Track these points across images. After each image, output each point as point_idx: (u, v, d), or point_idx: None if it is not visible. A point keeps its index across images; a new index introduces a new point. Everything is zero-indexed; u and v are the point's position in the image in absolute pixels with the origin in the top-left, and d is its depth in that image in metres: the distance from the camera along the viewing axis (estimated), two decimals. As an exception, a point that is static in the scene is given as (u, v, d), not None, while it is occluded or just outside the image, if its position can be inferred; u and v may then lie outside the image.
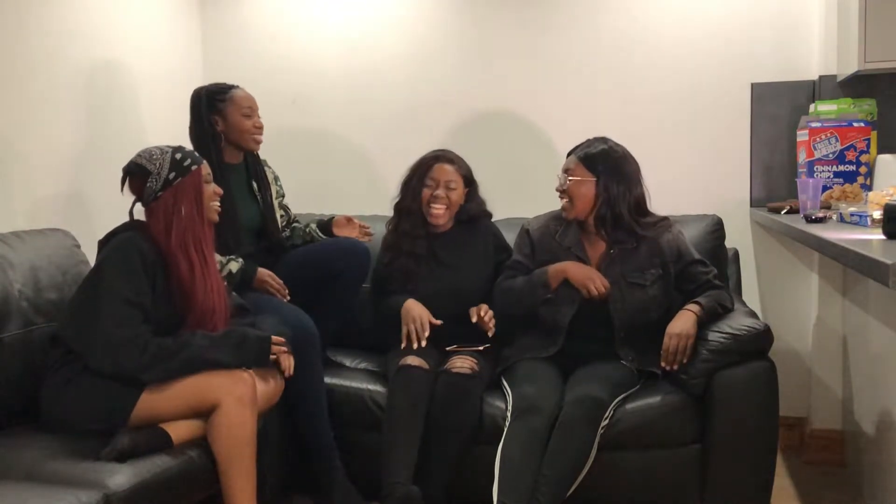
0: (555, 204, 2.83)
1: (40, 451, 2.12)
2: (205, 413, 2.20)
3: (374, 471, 2.53)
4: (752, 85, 3.32)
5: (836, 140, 2.91)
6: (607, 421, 2.47)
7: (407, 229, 2.94)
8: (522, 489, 2.35)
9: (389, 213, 3.04)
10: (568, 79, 3.52)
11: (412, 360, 2.66)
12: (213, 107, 2.88)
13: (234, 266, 2.73)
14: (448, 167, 2.92)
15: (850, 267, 1.88)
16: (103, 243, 2.33)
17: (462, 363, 2.66)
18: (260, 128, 2.93)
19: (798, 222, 2.49)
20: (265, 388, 2.34)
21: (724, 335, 2.51)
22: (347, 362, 3.01)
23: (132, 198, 2.36)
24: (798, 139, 3.07)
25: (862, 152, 2.90)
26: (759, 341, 2.51)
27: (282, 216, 3.06)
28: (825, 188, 2.83)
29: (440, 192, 2.90)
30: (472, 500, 2.52)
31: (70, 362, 2.24)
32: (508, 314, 2.81)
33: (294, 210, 3.19)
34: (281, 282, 2.79)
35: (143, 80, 3.42)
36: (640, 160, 2.77)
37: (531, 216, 2.94)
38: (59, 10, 2.98)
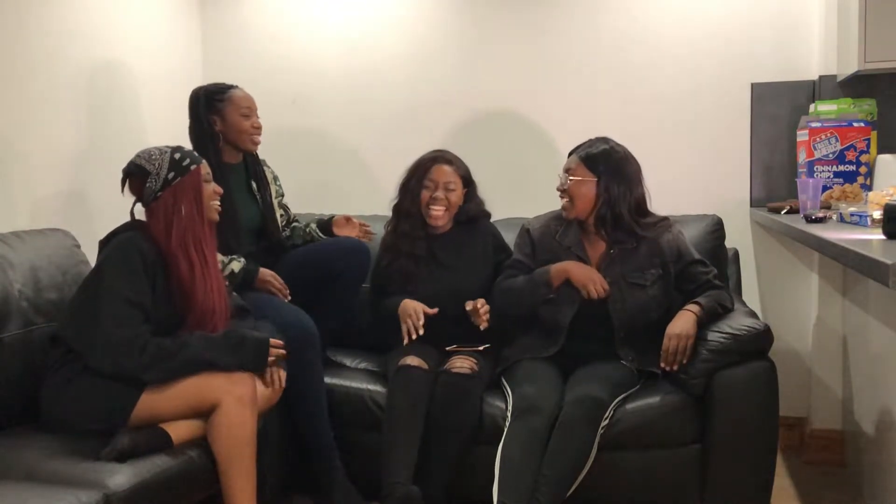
0: (555, 204, 2.83)
1: (40, 451, 2.12)
2: (205, 413, 2.20)
3: (374, 471, 2.53)
4: (752, 85, 3.32)
5: (836, 140, 2.91)
6: (607, 421, 2.47)
7: (406, 231, 2.93)
8: (522, 489, 2.35)
9: (389, 213, 3.04)
10: (568, 79, 3.52)
11: (412, 361, 2.66)
12: (212, 107, 2.87)
13: (237, 266, 2.73)
14: (447, 168, 2.92)
15: (850, 267, 1.88)
16: (104, 243, 2.33)
17: (462, 363, 2.66)
18: (258, 128, 2.93)
19: (798, 222, 2.49)
20: (265, 389, 2.34)
21: (724, 335, 2.51)
22: (347, 362, 3.01)
23: (133, 198, 2.36)
24: (798, 139, 3.07)
25: (862, 152, 2.90)
26: (759, 341, 2.51)
27: (281, 216, 3.06)
28: (825, 188, 2.83)
29: (439, 193, 2.89)
30: (472, 500, 2.52)
31: (70, 362, 2.24)
32: (508, 314, 2.81)
33: (294, 210, 3.19)
34: (283, 282, 2.79)
35: (143, 80, 3.42)
36: (640, 160, 2.77)
37: (531, 216, 2.94)
38: (59, 10, 2.98)
